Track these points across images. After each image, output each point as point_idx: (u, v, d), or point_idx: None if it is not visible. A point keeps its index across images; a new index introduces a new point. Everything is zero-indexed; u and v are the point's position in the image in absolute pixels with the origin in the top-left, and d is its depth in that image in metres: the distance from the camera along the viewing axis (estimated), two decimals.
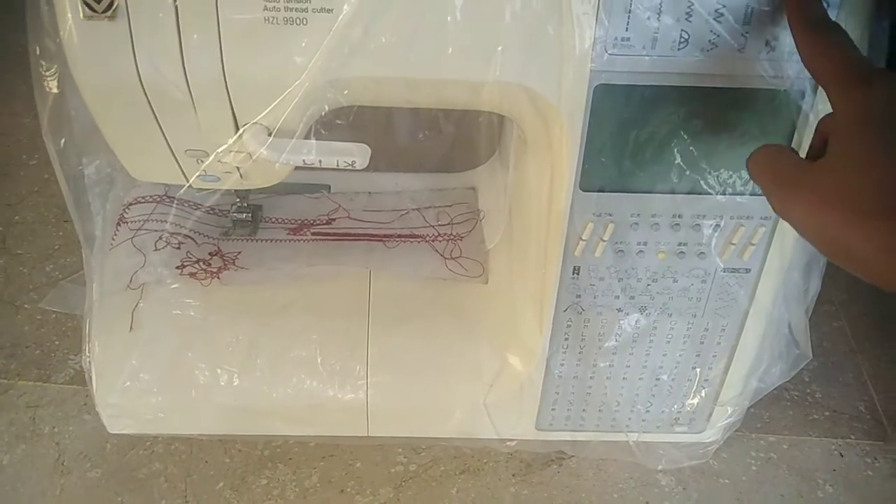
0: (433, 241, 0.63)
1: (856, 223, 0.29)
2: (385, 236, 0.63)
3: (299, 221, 0.63)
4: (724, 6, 0.38)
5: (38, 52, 0.38)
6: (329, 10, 0.37)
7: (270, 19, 0.37)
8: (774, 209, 0.34)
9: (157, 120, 0.41)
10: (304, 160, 0.41)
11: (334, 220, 0.64)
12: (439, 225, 0.64)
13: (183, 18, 0.37)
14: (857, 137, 0.30)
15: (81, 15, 0.37)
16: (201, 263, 0.56)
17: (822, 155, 0.32)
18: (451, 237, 0.63)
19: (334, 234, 0.63)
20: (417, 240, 0.63)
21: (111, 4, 0.37)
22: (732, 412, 0.56)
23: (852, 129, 0.31)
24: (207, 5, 0.37)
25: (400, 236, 0.63)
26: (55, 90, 0.39)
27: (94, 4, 0.37)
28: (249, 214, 0.60)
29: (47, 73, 0.39)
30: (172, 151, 0.44)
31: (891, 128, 0.30)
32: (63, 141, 0.43)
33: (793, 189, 0.33)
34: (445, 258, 0.61)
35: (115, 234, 0.57)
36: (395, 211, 0.65)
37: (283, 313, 0.55)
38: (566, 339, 0.52)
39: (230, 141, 0.41)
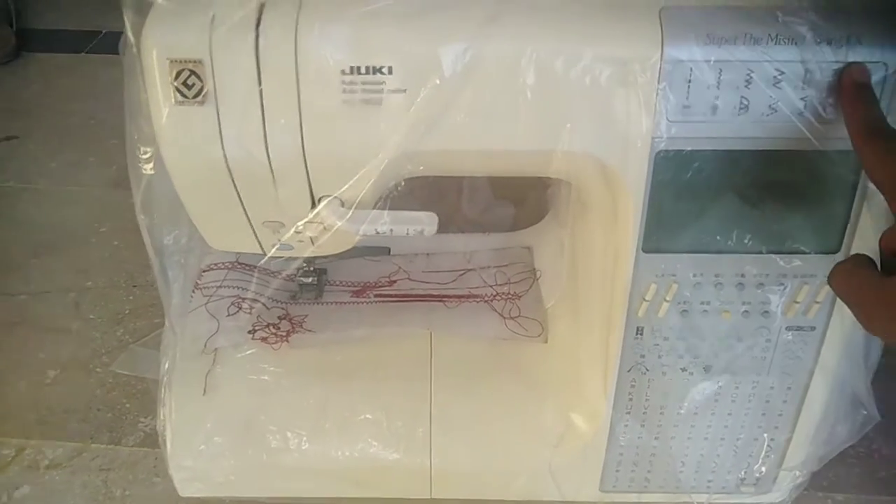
0: (492, 300, 0.64)
1: None
2: (445, 297, 0.64)
3: (362, 284, 0.65)
4: (783, 73, 0.40)
5: (136, 137, 0.41)
6: (403, 91, 0.40)
7: (348, 101, 0.40)
8: (862, 325, 0.35)
9: (238, 195, 0.44)
10: (377, 230, 0.43)
11: (395, 281, 0.65)
12: (497, 285, 0.65)
13: (267, 103, 0.40)
14: None
15: (174, 101, 0.40)
16: (271, 328, 0.58)
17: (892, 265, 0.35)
18: (510, 296, 0.64)
19: (396, 296, 0.64)
20: (476, 299, 0.64)
21: (201, 90, 0.39)
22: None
23: None
24: (290, 89, 0.39)
25: (459, 296, 0.64)
26: (150, 172, 0.42)
27: (185, 91, 0.39)
28: (315, 278, 0.62)
29: (144, 157, 0.41)
30: (251, 223, 0.46)
31: None
32: (155, 217, 0.46)
33: (874, 306, 0.34)
34: (504, 318, 0.62)
35: (191, 300, 0.59)
36: (453, 271, 0.67)
37: (350, 376, 0.56)
38: (630, 400, 0.52)
39: (310, 215, 0.43)
